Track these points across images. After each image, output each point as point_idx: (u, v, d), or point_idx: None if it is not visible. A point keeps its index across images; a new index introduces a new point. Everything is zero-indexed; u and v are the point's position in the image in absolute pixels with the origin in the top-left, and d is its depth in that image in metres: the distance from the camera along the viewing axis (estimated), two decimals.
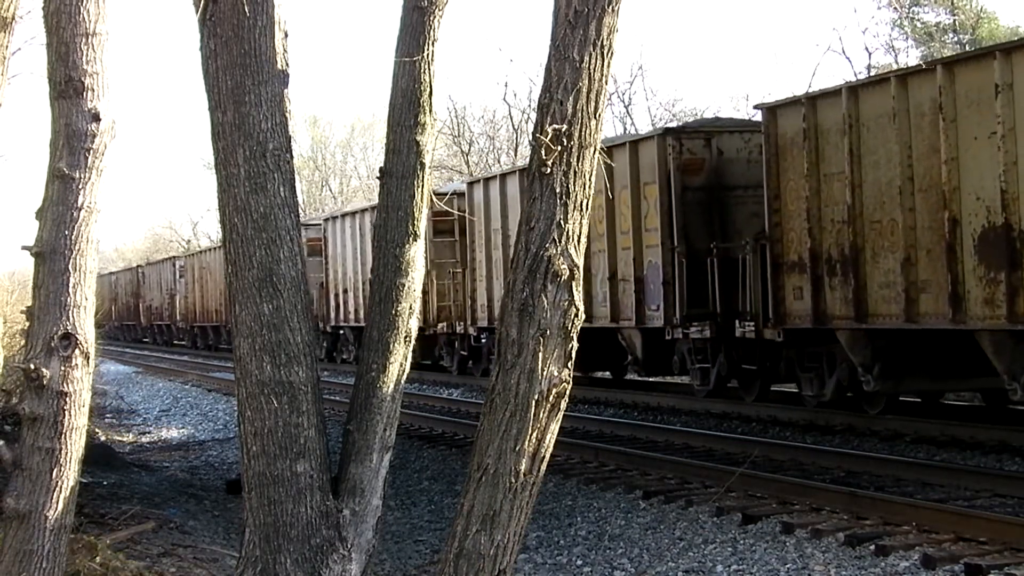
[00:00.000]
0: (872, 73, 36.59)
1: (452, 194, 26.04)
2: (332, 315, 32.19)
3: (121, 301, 65.66)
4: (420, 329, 27.11)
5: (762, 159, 16.13)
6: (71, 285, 5.89)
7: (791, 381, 16.67)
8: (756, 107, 16.79)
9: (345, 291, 31.24)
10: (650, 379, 21.45)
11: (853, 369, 14.70)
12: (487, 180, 23.66)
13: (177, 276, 51.37)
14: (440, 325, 26.21)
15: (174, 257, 55.53)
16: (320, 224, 34.01)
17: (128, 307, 63.88)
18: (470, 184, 24.81)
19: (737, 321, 16.52)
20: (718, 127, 18.51)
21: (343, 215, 32.24)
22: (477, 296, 23.82)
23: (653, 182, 17.88)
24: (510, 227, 21.74)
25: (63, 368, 5.84)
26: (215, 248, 43.97)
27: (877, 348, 14.34)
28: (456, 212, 23.87)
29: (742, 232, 17.16)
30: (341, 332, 32.79)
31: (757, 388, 17.56)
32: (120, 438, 19.91)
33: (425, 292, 25.77)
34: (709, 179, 17.79)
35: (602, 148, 19.03)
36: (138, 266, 63.67)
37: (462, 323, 25.36)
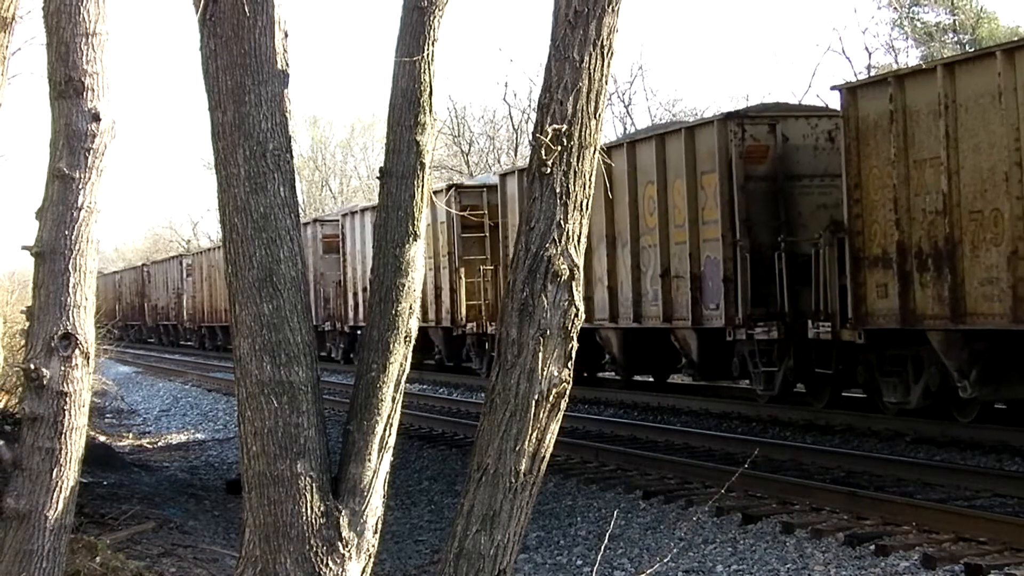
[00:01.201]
0: (872, 73, 36.59)
1: (482, 187, 25.02)
2: (351, 315, 30.85)
3: (126, 301, 64.44)
4: (447, 329, 24.49)
5: (840, 144, 15.13)
6: (71, 285, 5.88)
7: (869, 386, 15.32)
8: (833, 88, 15.56)
9: (366, 290, 28.84)
10: (706, 383, 20.02)
11: (945, 374, 13.64)
12: (522, 171, 21.78)
13: (184, 275, 49.80)
14: (469, 325, 24.82)
15: (181, 255, 53.93)
16: (337, 220, 32.56)
17: (133, 307, 62.52)
18: (503, 176, 23.63)
19: (810, 321, 15.28)
20: (783, 112, 17.39)
21: (363, 210, 30.56)
22: None
23: (712, 171, 16.71)
24: None
25: (63, 368, 5.83)
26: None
27: (975, 351, 13.14)
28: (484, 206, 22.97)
29: (808, 225, 16.17)
30: (359, 333, 32.28)
31: (828, 394, 16.34)
32: (122, 442, 19.91)
33: (452, 291, 24.61)
34: (773, 168, 16.60)
35: (656, 136, 17.80)
36: (143, 265, 62.07)
37: (494, 323, 24.46)
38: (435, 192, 25.77)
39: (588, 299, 18.93)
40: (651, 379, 21.60)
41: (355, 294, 30.57)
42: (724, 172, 16.52)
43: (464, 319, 24.92)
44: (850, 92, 14.66)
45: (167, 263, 55.27)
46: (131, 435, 20.75)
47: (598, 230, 19.00)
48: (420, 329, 25.25)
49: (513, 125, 45.45)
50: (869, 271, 14.24)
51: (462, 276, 24.55)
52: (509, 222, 22.32)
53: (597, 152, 5.35)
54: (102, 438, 18.03)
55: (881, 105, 13.96)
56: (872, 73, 36.72)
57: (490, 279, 24.21)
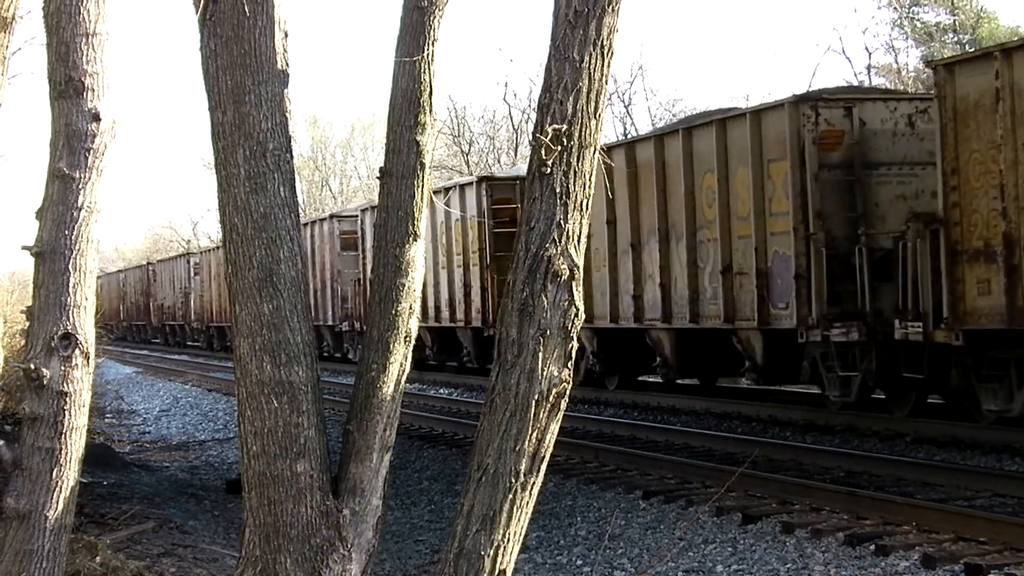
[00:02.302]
0: (872, 73, 36.62)
1: (516, 179, 22.99)
2: None
3: (130, 300, 62.69)
4: (477, 330, 23.92)
5: (922, 130, 14.41)
6: (71, 285, 5.88)
7: (964, 392, 13.96)
8: (928, 64, 14.60)
9: None
10: (770, 387, 18.58)
11: None
12: None
13: (192, 273, 48.11)
14: None
15: (189, 253, 52.06)
16: (356, 215, 31.20)
17: (138, 307, 60.63)
18: None
19: (896, 321, 13.94)
20: (860, 94, 16.33)
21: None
22: None
23: (782, 158, 15.38)
24: (594, 212, 19.02)
25: (63, 368, 5.83)
26: None
27: None
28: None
29: (885, 217, 15.07)
30: None
31: (913, 400, 14.97)
32: (120, 437, 19.92)
33: (484, 289, 23.64)
34: (849, 155, 15.28)
35: (716, 121, 16.61)
36: (148, 263, 59.80)
37: None
38: (464, 185, 24.92)
39: (637, 297, 18.53)
40: (696, 382, 20.45)
41: None
42: (796, 160, 15.22)
43: (493, 320, 22.35)
44: (947, 69, 13.34)
45: (174, 261, 53.61)
46: (131, 435, 20.75)
47: (649, 223, 18.32)
48: (447, 330, 24.38)
49: (513, 125, 45.49)
50: (968, 266, 12.98)
51: (494, 274, 23.18)
52: None
53: (597, 152, 5.35)
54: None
55: (985, 82, 12.71)
56: (872, 73, 36.72)
57: None
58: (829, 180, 15.20)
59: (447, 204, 24.86)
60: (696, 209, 17.23)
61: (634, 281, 18.66)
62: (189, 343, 50.58)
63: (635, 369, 20.60)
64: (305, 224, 34.40)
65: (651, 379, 21.25)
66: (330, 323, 32.80)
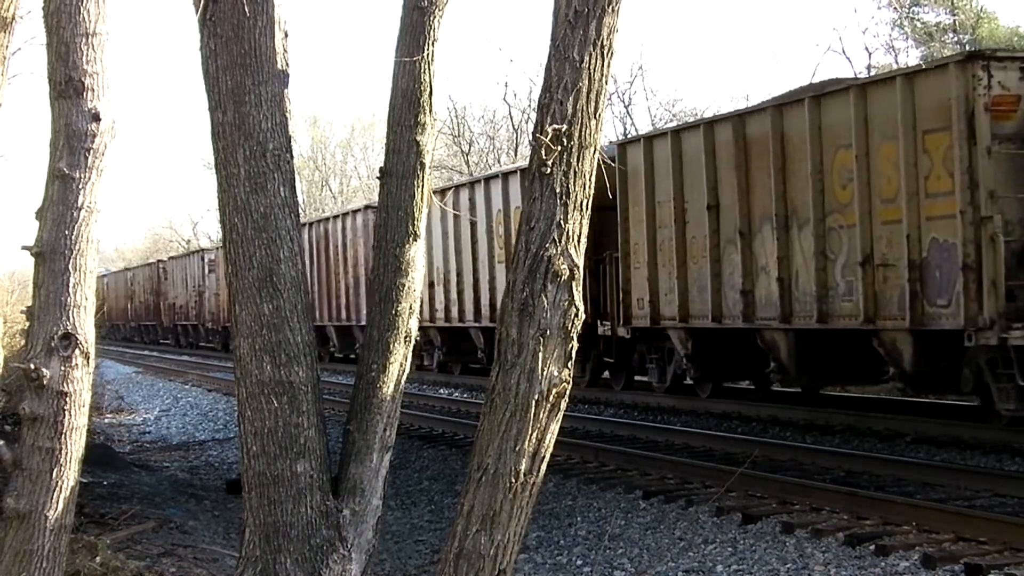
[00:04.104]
0: (873, 73, 36.59)
1: None
2: None
3: (139, 299, 60.02)
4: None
5: None
6: (71, 285, 5.89)
7: None
8: None
9: (432, 285, 25.77)
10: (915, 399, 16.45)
11: None
12: (652, 138, 18.63)
13: (206, 271, 45.51)
14: None
15: (203, 250, 49.46)
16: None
17: (147, 306, 58.12)
18: (624, 144, 19.49)
19: None
20: None
21: None
22: (632, 287, 18.73)
23: (944, 128, 12.89)
24: (690, 197, 17.29)
25: (63, 368, 5.84)
26: None
27: None
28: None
29: None
30: (417, 335, 29.30)
31: None
32: (120, 437, 19.92)
33: None
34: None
35: (855, 87, 13.88)
36: (159, 261, 57.13)
37: (607, 322, 19.87)
38: (508, 174, 23.03)
39: (747, 293, 16.01)
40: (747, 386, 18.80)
41: None
42: (963, 130, 12.70)
43: None
44: None
45: (186, 258, 51.08)
46: (131, 435, 20.75)
47: (762, 208, 15.80)
48: (488, 330, 22.25)
49: (513, 125, 45.46)
50: None
51: None
52: (630, 201, 18.57)
53: (597, 151, 5.35)
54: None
55: None
56: (872, 73, 36.72)
57: (601, 271, 20.00)
58: (1002, 154, 12.75)
59: (488, 195, 23.36)
60: (826, 191, 14.73)
61: (743, 275, 16.08)
62: (202, 344, 48.66)
63: (735, 376, 18.64)
64: (336, 216, 32.86)
65: (744, 386, 19.47)
66: (362, 323, 31.82)
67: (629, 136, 21.03)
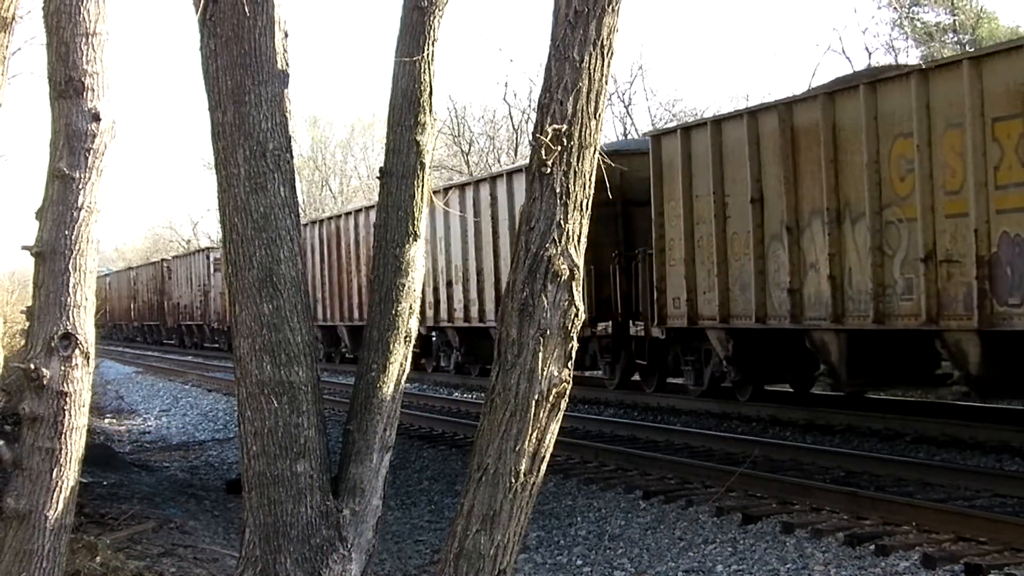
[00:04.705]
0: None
1: (613, 155, 20.56)
2: (429, 312, 25.75)
3: (142, 299, 59.10)
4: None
5: None
6: (71, 285, 5.89)
7: None
8: None
9: (450, 283, 25.12)
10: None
11: None
12: (689, 129, 17.67)
13: (211, 270, 44.46)
14: (601, 325, 20.04)
15: (209, 248, 48.26)
16: None
17: (151, 306, 57.18)
18: (658, 136, 18.39)
19: None
20: None
21: (446, 189, 25.87)
22: (668, 286, 17.76)
23: (1016, 115, 12.10)
24: (732, 190, 16.36)
25: (63, 368, 5.84)
26: None
27: None
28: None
29: None
30: (433, 336, 27.23)
31: None
32: (120, 438, 19.92)
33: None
34: None
35: (916, 72, 12.86)
36: (163, 260, 56.15)
37: (639, 322, 19.10)
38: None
39: (795, 291, 15.11)
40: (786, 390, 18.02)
41: (435, 289, 25.68)
42: None
43: (588, 319, 18.89)
44: None
45: (191, 257, 50.22)
46: (131, 435, 20.75)
47: (811, 201, 14.95)
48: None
49: (513, 125, 45.46)
50: None
51: (591, 264, 19.22)
52: (665, 195, 17.74)
53: (597, 152, 5.36)
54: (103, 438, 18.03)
55: None
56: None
57: (629, 266, 19.44)
58: None
59: (511, 190, 22.73)
60: (883, 183, 13.84)
61: (790, 272, 15.23)
62: (207, 344, 47.89)
63: (778, 379, 17.79)
64: (348, 213, 31.50)
65: (781, 389, 18.58)
66: None
67: (664, 128, 19.75)
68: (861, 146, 14.06)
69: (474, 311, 24.39)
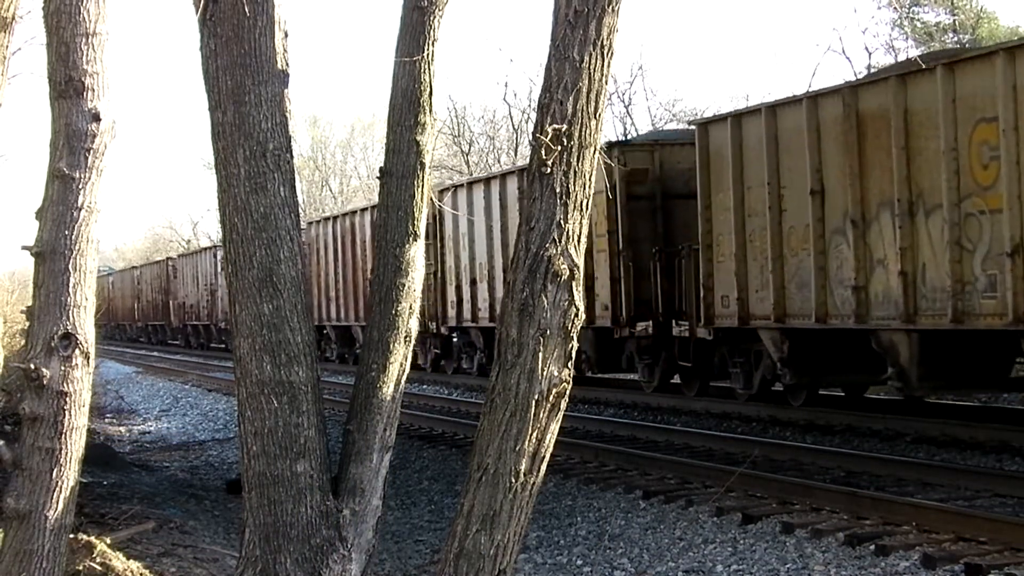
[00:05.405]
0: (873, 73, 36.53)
1: (654, 145, 19.13)
2: (451, 312, 24.95)
3: (146, 299, 58.26)
4: (603, 331, 18.88)
5: None
6: (71, 285, 5.89)
7: None
8: None
9: (474, 282, 24.02)
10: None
11: None
12: (740, 116, 16.43)
13: (219, 268, 40.81)
14: (640, 326, 18.93)
15: (215, 246, 45.66)
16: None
17: (155, 306, 56.23)
18: (706, 124, 17.23)
19: None
20: None
21: (469, 183, 24.89)
22: (715, 283, 16.61)
23: None
24: (788, 181, 15.24)
25: (63, 368, 5.84)
26: None
27: None
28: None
29: None
30: (455, 337, 26.27)
31: None
32: (120, 437, 19.92)
33: (614, 280, 19.27)
34: None
35: (1002, 50, 11.59)
36: (168, 259, 55.19)
37: (683, 322, 17.96)
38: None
39: (860, 289, 14.02)
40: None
41: (457, 287, 24.65)
42: None
43: (627, 318, 19.06)
44: None
45: (197, 255, 49.00)
46: (131, 435, 20.75)
47: (879, 192, 13.78)
48: None
49: (513, 125, 45.43)
50: None
51: (629, 262, 18.89)
52: (713, 186, 16.52)
53: (597, 151, 5.36)
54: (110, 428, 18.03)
55: None
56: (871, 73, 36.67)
57: (669, 264, 18.44)
58: None
59: None
60: (961, 171, 12.72)
61: (855, 268, 14.12)
62: (213, 345, 46.79)
63: (837, 383, 16.96)
64: (364, 209, 30.33)
65: (833, 393, 17.73)
66: None
67: (712, 116, 18.72)
68: (938, 132, 12.89)
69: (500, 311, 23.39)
